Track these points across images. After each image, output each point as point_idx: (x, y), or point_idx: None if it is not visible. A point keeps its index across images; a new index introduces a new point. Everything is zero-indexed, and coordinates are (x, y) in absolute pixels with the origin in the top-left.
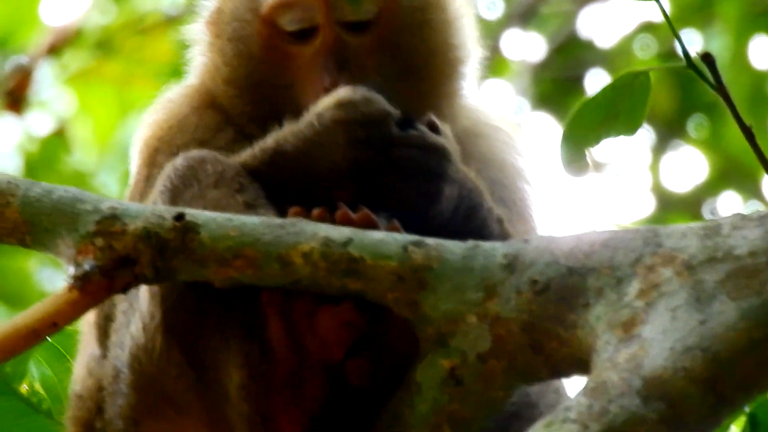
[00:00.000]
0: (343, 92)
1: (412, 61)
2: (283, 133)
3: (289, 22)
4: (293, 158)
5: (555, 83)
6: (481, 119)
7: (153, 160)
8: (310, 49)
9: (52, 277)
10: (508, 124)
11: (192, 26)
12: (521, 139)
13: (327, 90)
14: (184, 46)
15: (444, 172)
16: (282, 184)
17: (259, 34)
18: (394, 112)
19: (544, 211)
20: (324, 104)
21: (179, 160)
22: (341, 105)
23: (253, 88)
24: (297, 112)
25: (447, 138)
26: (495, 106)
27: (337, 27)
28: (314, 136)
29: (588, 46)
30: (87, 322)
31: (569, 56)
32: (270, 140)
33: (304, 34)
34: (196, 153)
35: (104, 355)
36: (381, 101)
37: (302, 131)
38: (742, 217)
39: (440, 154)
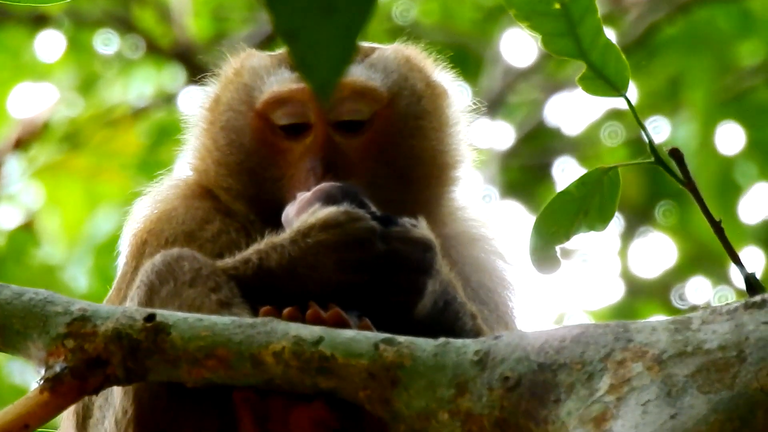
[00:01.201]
0: (327, 212)
1: (402, 165)
2: (266, 249)
3: (281, 117)
4: (278, 275)
5: (523, 171)
6: (470, 224)
7: (141, 251)
8: (300, 145)
9: (21, 370)
10: (494, 230)
11: (190, 111)
12: (506, 244)
13: (310, 190)
14: (152, 139)
15: (429, 266)
16: (263, 294)
17: (252, 127)
18: (377, 224)
19: (524, 312)
20: (309, 223)
21: (158, 257)
22: (326, 227)
23: (242, 174)
24: (283, 202)
25: (427, 230)
26: (483, 210)
27: (329, 127)
28: (300, 256)
29: (555, 134)
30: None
31: (537, 144)
32: (252, 254)
33: (297, 130)
34: (174, 251)
35: None
36: (363, 216)
37: (287, 249)
38: (712, 311)
39: (424, 247)
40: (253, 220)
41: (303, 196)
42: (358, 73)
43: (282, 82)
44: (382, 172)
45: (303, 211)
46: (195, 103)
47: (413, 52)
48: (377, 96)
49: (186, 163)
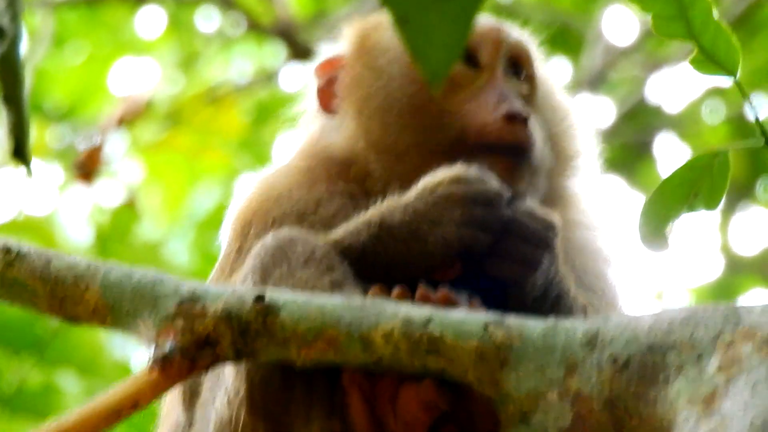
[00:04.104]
0: (456, 169)
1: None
2: (388, 208)
3: None
4: (400, 233)
5: (624, 148)
6: (581, 210)
7: (246, 232)
8: (479, 77)
9: (123, 345)
10: (603, 218)
11: (307, 78)
12: (613, 229)
13: (497, 114)
14: (254, 117)
15: (549, 243)
16: (381, 260)
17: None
18: (506, 191)
19: (629, 295)
20: (437, 178)
21: (270, 239)
22: (457, 181)
23: (412, 113)
24: (463, 132)
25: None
26: (595, 199)
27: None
28: (426, 210)
29: (656, 112)
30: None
31: (638, 122)
32: (373, 215)
33: (474, 62)
34: (285, 232)
35: (189, 423)
36: (494, 180)
37: (411, 205)
38: None
39: (547, 224)
40: (369, 192)
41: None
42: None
43: None
44: None
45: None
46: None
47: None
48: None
49: (303, 137)
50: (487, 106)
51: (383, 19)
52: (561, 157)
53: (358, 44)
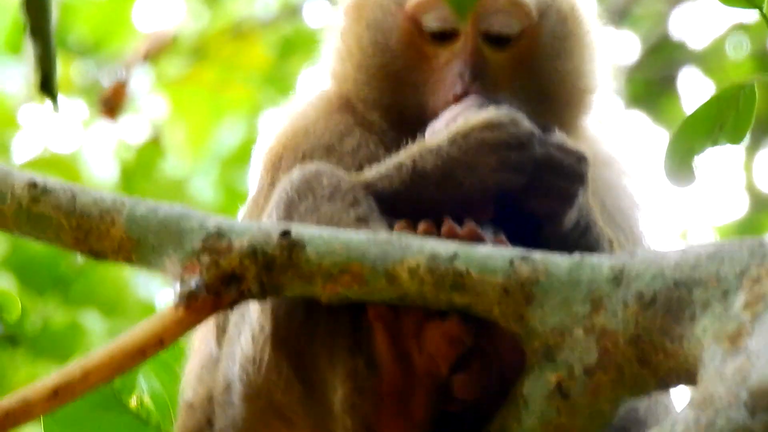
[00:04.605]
0: (489, 113)
1: (543, 85)
2: (420, 152)
3: (432, 21)
4: (432, 178)
5: (648, 83)
6: (602, 148)
7: (277, 166)
8: (447, 52)
9: (147, 284)
10: (626, 154)
11: (331, 10)
12: (637, 165)
13: (457, 97)
14: (279, 52)
15: (583, 175)
16: (413, 203)
17: (400, 28)
18: (537, 129)
19: (654, 232)
20: (469, 123)
21: (296, 173)
22: (490, 126)
23: (382, 78)
24: (422, 109)
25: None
26: (615, 135)
27: (479, 37)
28: (460, 156)
29: (680, 47)
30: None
31: (662, 57)
32: (404, 159)
33: (445, 36)
34: (312, 166)
35: (217, 359)
36: (526, 121)
37: (444, 150)
38: None
39: (578, 156)
40: (388, 130)
41: (452, 108)
42: None
43: None
44: (524, 90)
45: (453, 120)
46: (340, 1)
47: None
48: (528, 12)
49: (323, 70)
50: (444, 85)
51: None
52: (574, 95)
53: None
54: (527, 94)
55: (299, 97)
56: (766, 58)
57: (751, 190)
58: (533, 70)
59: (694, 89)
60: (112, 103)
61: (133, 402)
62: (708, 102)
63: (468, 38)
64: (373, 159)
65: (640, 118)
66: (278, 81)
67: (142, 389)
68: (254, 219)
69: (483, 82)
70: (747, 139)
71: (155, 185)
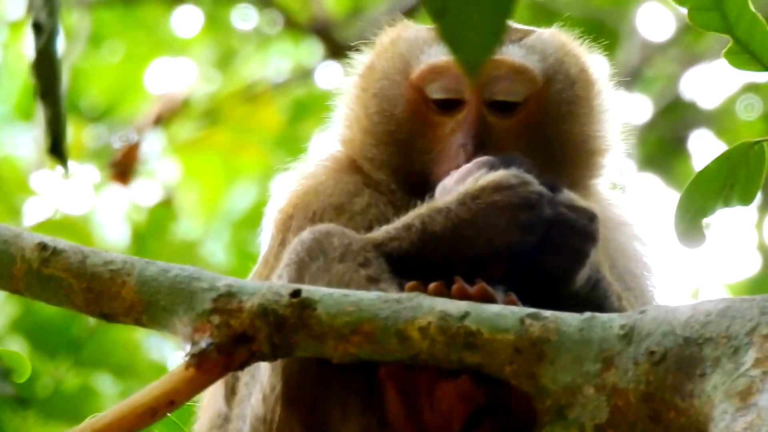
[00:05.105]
0: (499, 174)
1: (551, 149)
2: (429, 213)
3: (436, 90)
4: (442, 239)
5: (660, 144)
6: (614, 210)
7: (287, 226)
8: (452, 121)
9: (160, 346)
10: (636, 214)
11: (343, 78)
12: (648, 227)
13: (460, 166)
14: (291, 114)
15: (594, 233)
16: (423, 264)
17: (405, 97)
18: (546, 190)
19: (665, 293)
20: (479, 185)
21: (306, 233)
22: (499, 187)
23: (389, 143)
24: (428, 174)
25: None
26: (627, 198)
27: (483, 105)
28: (470, 217)
29: (692, 107)
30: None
31: (674, 117)
32: (414, 219)
33: (450, 105)
34: (323, 226)
35: (228, 417)
36: (534, 181)
37: (454, 212)
38: None
39: (589, 215)
40: (396, 190)
41: (463, 167)
42: (516, 54)
43: (439, 54)
44: (532, 155)
45: (463, 180)
46: (347, 71)
47: (568, 36)
48: (533, 78)
49: (333, 134)
50: (449, 155)
51: (386, 41)
52: (583, 156)
53: (367, 63)
54: (535, 156)
55: (310, 159)
56: None
57: (763, 248)
58: (540, 134)
59: (705, 150)
60: (123, 167)
61: None
62: (717, 159)
63: (472, 107)
64: (382, 218)
65: (652, 180)
66: (290, 143)
67: None
68: (264, 279)
69: (486, 152)
70: (758, 199)
71: (167, 247)
